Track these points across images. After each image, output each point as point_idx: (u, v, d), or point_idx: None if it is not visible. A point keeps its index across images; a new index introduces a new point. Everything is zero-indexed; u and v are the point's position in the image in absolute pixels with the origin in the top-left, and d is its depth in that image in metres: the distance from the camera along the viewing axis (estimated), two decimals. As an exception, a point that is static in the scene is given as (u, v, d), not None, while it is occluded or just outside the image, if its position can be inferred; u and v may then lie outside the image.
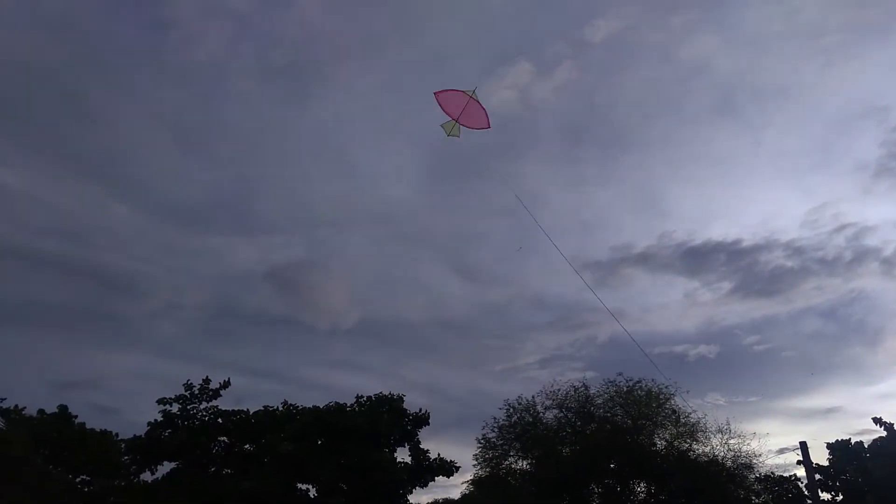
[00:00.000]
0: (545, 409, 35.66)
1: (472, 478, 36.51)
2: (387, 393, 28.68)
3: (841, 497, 32.28)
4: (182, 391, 26.48)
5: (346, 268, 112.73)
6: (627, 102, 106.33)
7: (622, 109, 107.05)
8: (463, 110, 14.25)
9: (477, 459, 35.50)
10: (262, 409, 27.60)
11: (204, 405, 26.67)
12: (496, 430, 35.57)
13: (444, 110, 14.44)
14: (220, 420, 26.91)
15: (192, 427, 26.08)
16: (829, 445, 32.95)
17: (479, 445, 35.56)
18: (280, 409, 27.67)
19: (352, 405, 28.19)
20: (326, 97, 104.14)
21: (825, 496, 31.39)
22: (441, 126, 14.68)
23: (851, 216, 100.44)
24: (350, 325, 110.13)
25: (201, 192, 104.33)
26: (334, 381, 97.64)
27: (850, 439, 32.73)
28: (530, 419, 35.67)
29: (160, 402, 26.37)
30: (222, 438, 27.15)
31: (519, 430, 35.40)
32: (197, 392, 26.53)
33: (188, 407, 26.34)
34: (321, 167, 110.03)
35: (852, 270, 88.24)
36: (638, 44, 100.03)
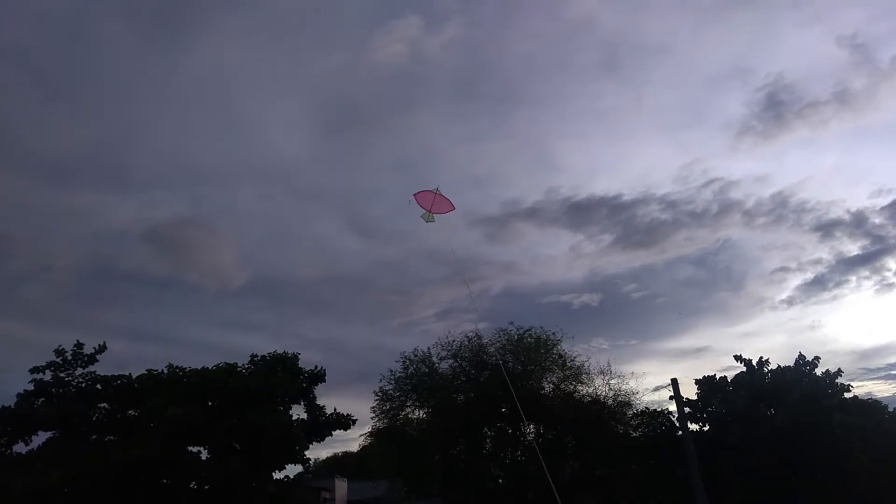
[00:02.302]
0: (440, 359, 36.72)
1: (369, 430, 37.21)
2: (281, 352, 28.13)
3: (707, 427, 35.44)
4: (54, 358, 24.84)
5: (233, 225, 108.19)
6: (517, 58, 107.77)
7: (512, 65, 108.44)
8: (433, 202, 18.26)
9: (374, 412, 36.21)
10: (146, 372, 26.35)
11: (80, 371, 25.17)
12: (393, 382, 36.32)
13: (420, 205, 18.31)
14: (99, 386, 25.43)
15: (67, 395, 24.60)
16: (697, 381, 35.95)
17: (377, 398, 36.23)
18: (165, 372, 26.55)
19: (244, 365, 27.51)
20: (207, 43, 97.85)
21: (694, 427, 34.35)
22: (420, 217, 18.43)
23: (718, 171, 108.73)
24: (240, 284, 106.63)
25: (69, 144, 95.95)
26: (226, 342, 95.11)
27: (715, 375, 35.86)
28: (426, 370, 36.58)
29: (33, 370, 24.63)
30: (103, 405, 25.77)
31: (415, 381, 36.25)
32: (70, 358, 24.92)
33: (61, 374, 24.76)
34: (203, 118, 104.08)
35: (718, 222, 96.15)
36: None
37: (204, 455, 26.08)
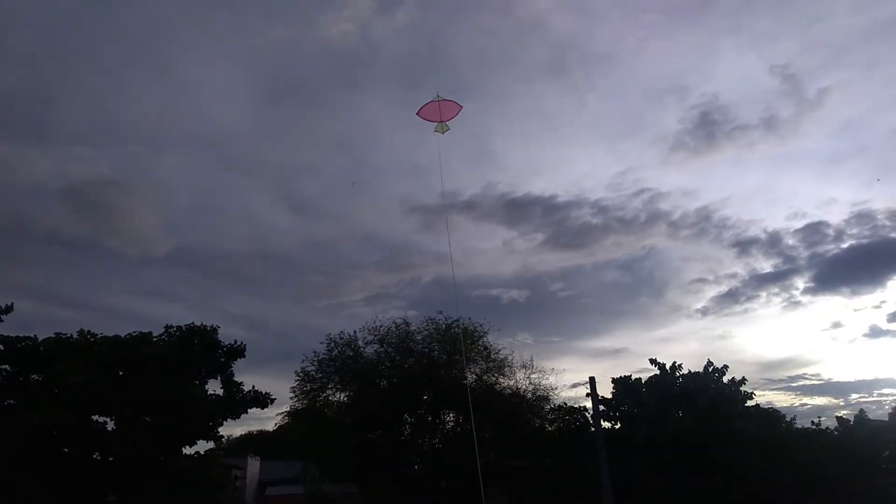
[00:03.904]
0: (366, 344, 36.56)
1: (287, 410, 36.68)
2: (199, 324, 27.28)
3: (619, 425, 36.68)
4: (-49, 315, 23.30)
5: (160, 191, 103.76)
6: (467, 51, 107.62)
7: (461, 57, 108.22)
8: (440, 111, 17.38)
9: (294, 392, 35.70)
10: (54, 336, 25.10)
11: (-21, 331, 23.69)
12: (316, 363, 35.88)
13: (428, 120, 17.52)
14: (1, 347, 24.09)
15: (-36, 355, 23.17)
16: (613, 381, 37.16)
17: (298, 378, 35.72)
18: (75, 337, 25.32)
19: (159, 336, 26.54)
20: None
21: (606, 424, 35.47)
22: (435, 131, 17.61)
23: (649, 182, 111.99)
24: (163, 253, 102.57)
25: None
26: (143, 311, 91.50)
27: (630, 376, 37.12)
28: (351, 353, 36.32)
29: (-72, 329, 23.04)
30: (4, 367, 24.37)
31: (339, 364, 35.94)
32: (-30, 317, 23.44)
33: (-42, 334, 23.26)
34: (137, 76, 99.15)
35: (646, 230, 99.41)
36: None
37: (111, 426, 25.10)
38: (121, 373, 25.04)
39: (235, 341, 27.91)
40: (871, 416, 41.36)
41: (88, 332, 25.66)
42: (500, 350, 36.85)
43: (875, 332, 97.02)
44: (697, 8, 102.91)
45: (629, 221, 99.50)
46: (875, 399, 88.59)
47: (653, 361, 36.50)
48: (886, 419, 46.46)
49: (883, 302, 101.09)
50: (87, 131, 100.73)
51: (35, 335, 24.79)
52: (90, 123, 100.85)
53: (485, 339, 36.49)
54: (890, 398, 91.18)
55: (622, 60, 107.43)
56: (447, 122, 17.66)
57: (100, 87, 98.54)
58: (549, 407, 36.92)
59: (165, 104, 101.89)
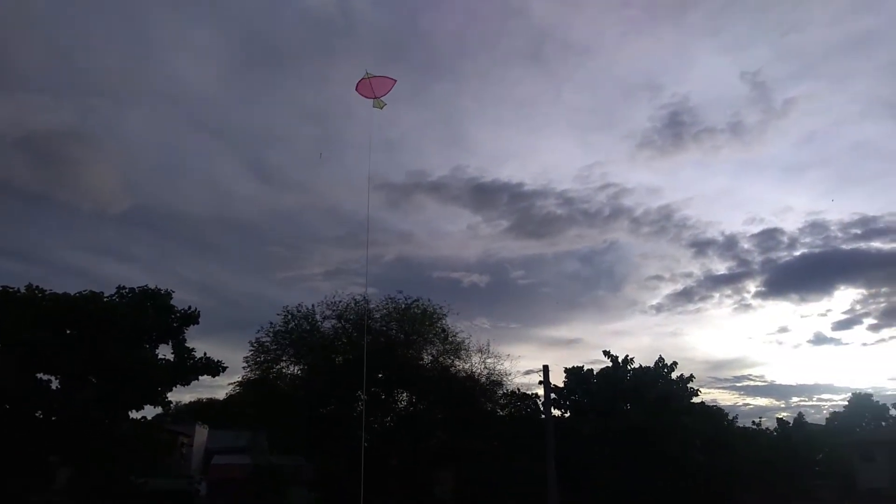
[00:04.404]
0: (324, 318, 36.25)
1: (239, 379, 36.29)
2: (153, 287, 26.72)
3: (569, 414, 37.34)
4: None
5: (122, 146, 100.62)
6: (446, 31, 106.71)
7: (440, 37, 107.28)
8: (373, 87, 17.47)
9: (248, 362, 35.29)
10: (0, 289, 24.31)
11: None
12: (271, 335, 35.47)
13: (364, 96, 17.58)
14: (-58, 298, 23.34)
15: None
16: (566, 370, 37.79)
17: (252, 349, 35.30)
18: (23, 291, 24.54)
19: (111, 296, 25.91)
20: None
21: (557, 412, 36.10)
22: (373, 107, 17.70)
23: (615, 177, 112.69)
24: (120, 210, 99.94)
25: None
26: (95, 269, 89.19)
27: (583, 367, 37.83)
28: (308, 327, 36.01)
29: None
30: (-57, 319, 23.58)
31: (295, 337, 35.62)
32: None
33: None
34: (105, 26, 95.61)
35: (608, 224, 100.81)
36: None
37: (55, 385, 24.53)
38: (68, 331, 24.45)
39: (189, 307, 27.49)
40: (809, 419, 43.11)
41: (37, 287, 24.92)
42: (457, 333, 37.01)
43: (819, 339, 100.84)
44: (678, 6, 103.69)
45: (593, 214, 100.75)
46: (814, 403, 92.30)
47: (606, 353, 37.22)
48: (824, 423, 48.41)
49: (829, 310, 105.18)
50: (48, 80, 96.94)
51: (-21, 288, 23.98)
52: (53, 73, 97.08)
53: (443, 321, 36.59)
54: (828, 403, 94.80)
55: (600, 53, 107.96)
56: (383, 99, 17.70)
57: (65, 37, 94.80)
58: (502, 392, 37.30)
59: (134, 59, 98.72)
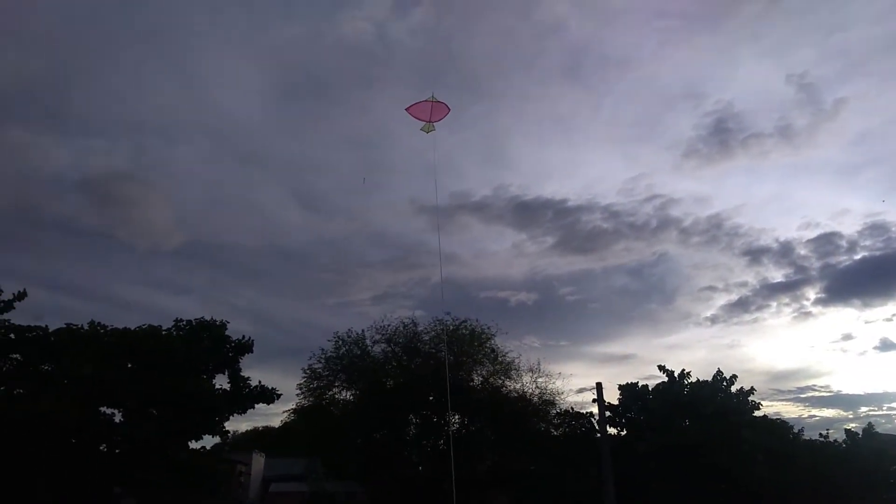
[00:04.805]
0: (374, 343, 36.62)
1: (294, 406, 36.79)
2: (209, 318, 27.40)
3: (625, 432, 36.52)
4: (-34, 302, 23.44)
5: (173, 183, 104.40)
6: (483, 52, 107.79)
7: (477, 58, 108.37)
8: (431, 111, 17.38)
9: (301, 389, 35.80)
10: (65, 326, 25.26)
11: (-7, 318, 23.85)
12: (323, 361, 36.00)
13: (417, 118, 17.51)
14: (12, 336, 24.28)
15: (-23, 342, 23.35)
16: (620, 387, 36.96)
17: (305, 375, 35.84)
18: (86, 328, 25.50)
19: (168, 329, 26.70)
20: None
21: (612, 430, 35.32)
22: (421, 129, 17.73)
23: (661, 188, 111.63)
24: (174, 245, 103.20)
25: (4, 75, 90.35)
26: (153, 303, 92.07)
27: (637, 382, 36.91)
28: (358, 352, 36.38)
29: (-58, 313, 23.21)
30: (15, 356, 24.59)
31: (346, 362, 36.02)
32: (-16, 302, 23.57)
33: (-27, 320, 23.42)
34: (155, 69, 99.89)
35: (656, 236, 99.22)
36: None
37: (118, 418, 25.25)
38: (129, 365, 25.20)
39: (243, 336, 28.06)
40: (879, 429, 40.90)
41: (99, 323, 25.86)
42: (507, 353, 36.83)
43: (886, 346, 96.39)
44: (716, 14, 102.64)
45: (640, 227, 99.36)
46: (884, 413, 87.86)
47: (661, 368, 36.29)
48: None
49: (895, 315, 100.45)
50: (103, 123, 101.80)
51: (46, 325, 24.99)
52: (107, 115, 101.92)
53: (492, 341, 36.46)
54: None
55: (639, 65, 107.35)
56: (434, 124, 17.76)
57: (117, 80, 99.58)
58: (554, 411, 36.85)
59: (181, 98, 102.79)
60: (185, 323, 27.10)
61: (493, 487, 34.64)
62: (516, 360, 36.70)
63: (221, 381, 27.59)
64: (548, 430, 36.73)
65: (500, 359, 36.37)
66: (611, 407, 35.31)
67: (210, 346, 26.80)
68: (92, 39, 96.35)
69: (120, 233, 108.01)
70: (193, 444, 26.92)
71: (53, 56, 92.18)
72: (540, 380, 36.66)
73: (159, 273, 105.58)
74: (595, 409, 30.42)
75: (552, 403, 36.67)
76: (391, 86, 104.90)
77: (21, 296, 24.09)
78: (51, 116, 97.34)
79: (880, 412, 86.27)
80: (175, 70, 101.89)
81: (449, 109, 17.87)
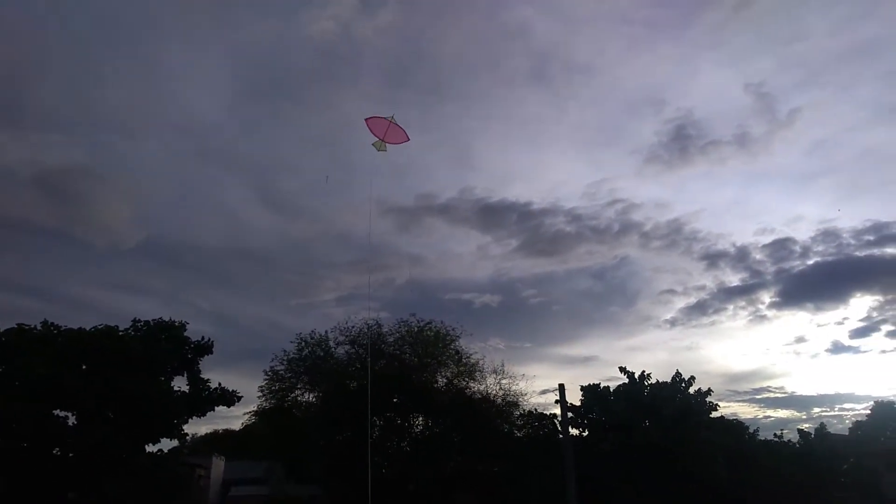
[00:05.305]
0: (337, 344, 36.22)
1: (255, 409, 36.20)
2: (167, 319, 26.81)
3: (587, 432, 36.91)
4: None
5: (133, 181, 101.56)
6: (449, 53, 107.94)
7: (444, 59, 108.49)
8: (386, 131, 17.37)
9: (262, 391, 35.23)
10: (16, 326, 24.47)
11: (-62, 319, 23.01)
12: (285, 362, 35.46)
13: (372, 132, 17.40)
14: (-41, 336, 23.51)
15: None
16: (582, 388, 37.40)
17: (266, 377, 35.26)
18: (38, 328, 24.72)
19: (125, 329, 26.04)
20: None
21: (574, 431, 35.67)
22: (372, 144, 17.52)
23: (623, 193, 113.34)
24: (133, 244, 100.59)
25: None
26: (110, 304, 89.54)
27: (599, 384, 37.44)
28: (321, 354, 35.95)
29: None
30: (-39, 357, 23.74)
31: (309, 364, 35.57)
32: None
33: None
34: (115, 62, 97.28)
35: (618, 240, 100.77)
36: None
37: (72, 420, 24.53)
38: (84, 366, 24.53)
39: (203, 338, 27.57)
40: (831, 430, 42.26)
41: (52, 323, 25.13)
42: (471, 354, 36.84)
43: (837, 348, 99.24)
44: (679, 22, 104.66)
45: (602, 231, 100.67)
46: (836, 413, 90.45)
47: (622, 370, 36.86)
48: (847, 434, 47.54)
49: (845, 318, 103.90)
50: (61, 118, 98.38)
51: (-4, 325, 24.16)
52: (64, 110, 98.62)
53: (457, 343, 36.45)
54: (850, 413, 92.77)
55: (603, 71, 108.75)
56: (386, 144, 17.66)
57: (77, 74, 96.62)
58: (518, 413, 37.03)
59: (143, 94, 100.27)
60: (142, 323, 26.50)
61: (458, 489, 34.62)
62: (480, 362, 36.74)
63: (180, 383, 27.09)
64: (511, 431, 36.89)
65: (464, 360, 36.38)
66: (573, 408, 35.66)
67: (168, 347, 26.27)
68: (50, 32, 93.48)
69: (76, 230, 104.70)
70: (151, 448, 26.34)
71: (10, 49, 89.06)
72: (504, 381, 36.77)
73: (118, 273, 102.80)
74: (558, 411, 30.66)
75: (516, 405, 36.84)
76: (357, 85, 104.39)
77: (-31, 295, 23.28)
78: (3, 111, 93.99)
79: (832, 413, 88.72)
80: (137, 65, 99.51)
81: (408, 139, 17.92)
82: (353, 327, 36.35)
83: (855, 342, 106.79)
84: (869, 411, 52.75)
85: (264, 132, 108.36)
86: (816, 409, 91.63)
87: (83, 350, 24.27)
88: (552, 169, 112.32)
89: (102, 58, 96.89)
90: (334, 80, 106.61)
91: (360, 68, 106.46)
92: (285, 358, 35.47)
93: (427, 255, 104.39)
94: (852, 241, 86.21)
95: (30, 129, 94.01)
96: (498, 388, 36.65)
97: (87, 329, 25.23)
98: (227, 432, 66.72)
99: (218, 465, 52.12)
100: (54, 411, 23.94)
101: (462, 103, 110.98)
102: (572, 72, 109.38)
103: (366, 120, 17.58)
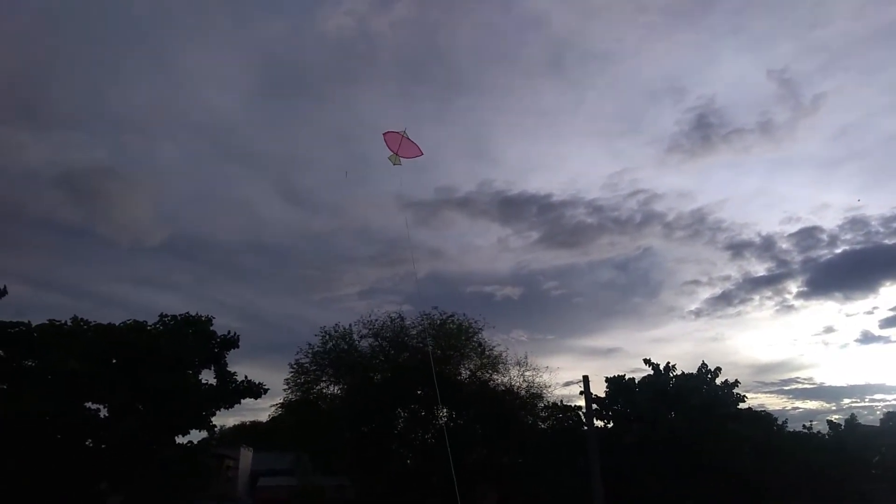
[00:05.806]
0: (361, 337, 36.45)
1: (281, 401, 36.64)
2: (194, 314, 27.26)
3: (612, 424, 36.76)
4: (-54, 298, 23.23)
5: (156, 179, 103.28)
6: (465, 46, 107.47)
7: (460, 52, 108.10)
8: (400, 145, 17.63)
9: (288, 384, 35.62)
10: (48, 322, 25.03)
11: (-27, 315, 23.63)
12: (310, 355, 35.80)
13: (388, 146, 17.63)
14: (-6, 332, 24.10)
15: (-43, 339, 23.11)
16: (606, 380, 37.20)
17: (292, 370, 35.65)
18: (69, 324, 25.28)
19: (153, 324, 26.53)
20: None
21: (599, 423, 35.53)
22: (388, 158, 17.79)
23: (645, 183, 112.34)
24: (157, 241, 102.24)
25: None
26: (137, 299, 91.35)
27: (624, 375, 37.16)
28: (345, 347, 36.23)
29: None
30: (-4, 352, 24.37)
31: (333, 357, 35.87)
32: (-36, 300, 23.37)
33: (-48, 317, 23.19)
34: (136, 64, 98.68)
35: (640, 231, 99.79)
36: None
37: (103, 413, 25.12)
38: (114, 361, 25.05)
39: (229, 332, 28.03)
40: (862, 421, 41.47)
41: (82, 319, 25.66)
42: (494, 347, 36.83)
43: (867, 338, 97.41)
44: (697, 9, 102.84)
45: (624, 222, 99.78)
46: (867, 404, 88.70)
47: (647, 361, 36.61)
48: (877, 424, 46.65)
49: (875, 308, 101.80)
50: (83, 118, 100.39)
51: (29, 321, 24.79)
52: (86, 110, 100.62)
53: (479, 335, 36.46)
54: (881, 403, 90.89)
55: (621, 60, 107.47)
56: (401, 158, 17.92)
57: (97, 75, 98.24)
58: (542, 405, 36.93)
59: (163, 93, 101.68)
60: (169, 318, 26.96)
61: (482, 481, 34.74)
62: (503, 354, 36.70)
63: (208, 377, 27.55)
64: (535, 424, 36.86)
65: (487, 353, 36.38)
66: (598, 400, 35.50)
67: (195, 341, 26.71)
68: (72, 34, 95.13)
69: (101, 229, 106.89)
70: (180, 439, 26.96)
71: (31, 50, 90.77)
72: (527, 373, 36.67)
73: (143, 269, 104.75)
74: (582, 402, 30.57)
75: (539, 397, 36.74)
76: (374, 80, 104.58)
77: (1, 293, 23.93)
78: (28, 112, 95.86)
79: (862, 404, 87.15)
80: (157, 65, 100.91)
81: (421, 153, 18.20)
82: (376, 320, 36.61)
83: (885, 332, 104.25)
84: (901, 402, 51.84)
85: (283, 129, 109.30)
86: (846, 400, 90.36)
87: (113, 345, 24.78)
88: (572, 160, 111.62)
89: (124, 59, 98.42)
90: (351, 76, 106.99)
91: (377, 63, 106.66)
92: (310, 351, 35.84)
93: (448, 249, 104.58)
94: (881, 229, 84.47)
95: (52, 129, 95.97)
96: (521, 380, 36.62)
97: (116, 324, 25.78)
98: (255, 424, 67.66)
99: (246, 456, 53.00)
100: (86, 404, 24.53)
101: (479, 96, 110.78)
102: (590, 61, 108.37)
103: (384, 134, 17.93)
